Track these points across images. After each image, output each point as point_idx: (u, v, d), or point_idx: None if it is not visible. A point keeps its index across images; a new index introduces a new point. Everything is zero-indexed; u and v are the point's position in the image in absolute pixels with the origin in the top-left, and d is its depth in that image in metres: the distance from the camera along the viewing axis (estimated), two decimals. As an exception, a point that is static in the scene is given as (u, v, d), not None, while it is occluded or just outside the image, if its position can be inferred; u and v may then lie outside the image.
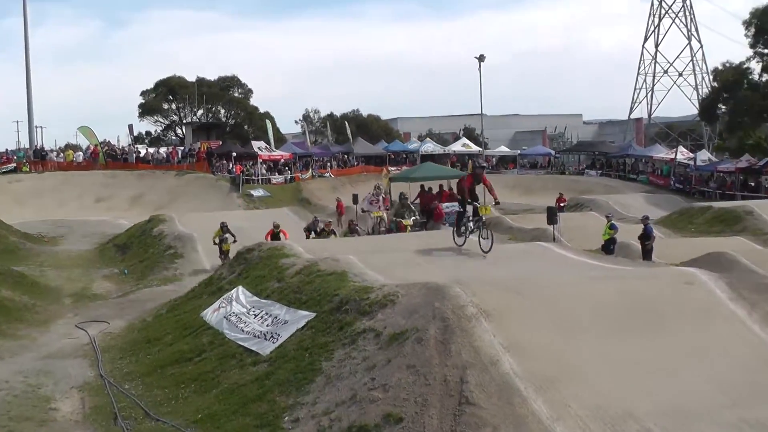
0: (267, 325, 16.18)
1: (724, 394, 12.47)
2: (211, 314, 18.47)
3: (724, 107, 77.13)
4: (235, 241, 29.78)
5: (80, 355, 18.48)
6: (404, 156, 77.55)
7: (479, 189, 20.21)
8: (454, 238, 20.00)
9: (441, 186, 37.73)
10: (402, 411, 11.80)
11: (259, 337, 15.83)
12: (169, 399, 14.67)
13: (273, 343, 15.28)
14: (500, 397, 11.80)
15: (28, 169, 63.52)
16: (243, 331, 16.56)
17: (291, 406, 12.89)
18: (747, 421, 11.81)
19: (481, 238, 18.98)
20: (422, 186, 38.13)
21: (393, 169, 59.01)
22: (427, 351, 12.77)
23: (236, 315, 17.53)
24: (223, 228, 30.90)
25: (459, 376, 12.13)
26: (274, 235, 29.63)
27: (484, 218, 19.36)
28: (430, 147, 79.76)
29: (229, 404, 13.73)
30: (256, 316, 16.95)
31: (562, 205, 47.21)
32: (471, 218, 19.43)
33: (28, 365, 17.48)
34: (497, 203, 21.09)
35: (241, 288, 18.90)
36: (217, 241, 30.75)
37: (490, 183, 20.10)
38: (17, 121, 74.00)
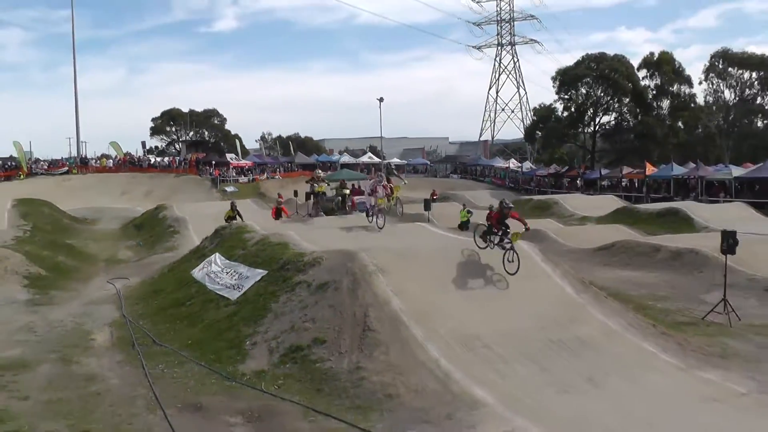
0: (234, 280, 15.93)
1: (538, 323, 12.86)
2: (198, 272, 18.10)
3: (540, 133, 78.82)
4: (242, 219, 24.39)
5: (110, 302, 18.04)
6: (329, 164, 76.87)
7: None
8: (475, 241, 15.52)
9: (353, 185, 37.95)
10: (325, 335, 11.91)
11: (229, 288, 15.59)
12: (168, 331, 14.40)
13: (239, 291, 15.06)
14: (391, 325, 11.96)
15: (76, 172, 61.61)
16: (219, 283, 16.27)
17: (251, 334, 12.79)
18: (552, 340, 12.35)
19: (507, 260, 14.58)
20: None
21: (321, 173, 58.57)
22: (342, 295, 12.83)
23: (214, 273, 17.23)
24: (233, 207, 25.94)
25: (363, 312, 12.25)
26: (277, 210, 27.50)
27: (513, 244, 14.66)
28: (346, 158, 79.29)
29: (210, 333, 13.56)
30: (227, 273, 16.67)
31: (434, 197, 47.44)
32: (500, 238, 14.89)
33: (75, 309, 17.16)
34: (527, 230, 15.06)
35: (217, 254, 18.57)
36: (227, 218, 24.81)
37: (519, 216, 15.23)
38: (69, 138, 71.16)
